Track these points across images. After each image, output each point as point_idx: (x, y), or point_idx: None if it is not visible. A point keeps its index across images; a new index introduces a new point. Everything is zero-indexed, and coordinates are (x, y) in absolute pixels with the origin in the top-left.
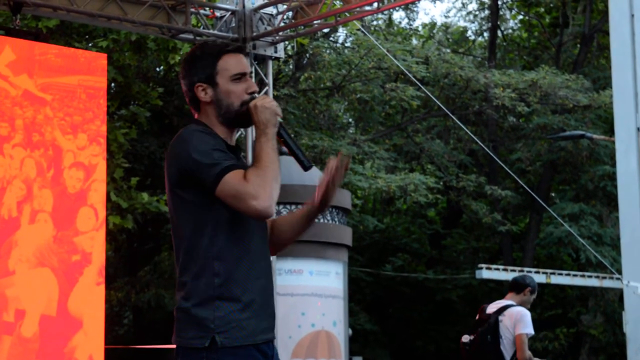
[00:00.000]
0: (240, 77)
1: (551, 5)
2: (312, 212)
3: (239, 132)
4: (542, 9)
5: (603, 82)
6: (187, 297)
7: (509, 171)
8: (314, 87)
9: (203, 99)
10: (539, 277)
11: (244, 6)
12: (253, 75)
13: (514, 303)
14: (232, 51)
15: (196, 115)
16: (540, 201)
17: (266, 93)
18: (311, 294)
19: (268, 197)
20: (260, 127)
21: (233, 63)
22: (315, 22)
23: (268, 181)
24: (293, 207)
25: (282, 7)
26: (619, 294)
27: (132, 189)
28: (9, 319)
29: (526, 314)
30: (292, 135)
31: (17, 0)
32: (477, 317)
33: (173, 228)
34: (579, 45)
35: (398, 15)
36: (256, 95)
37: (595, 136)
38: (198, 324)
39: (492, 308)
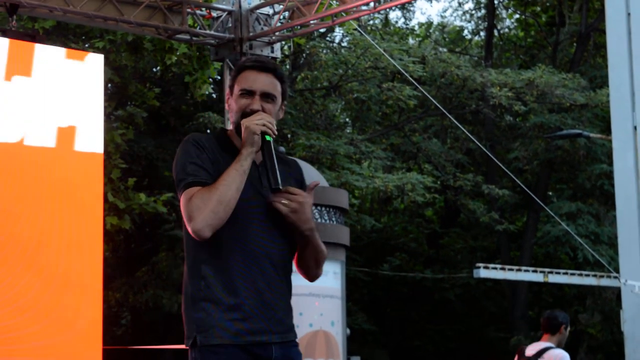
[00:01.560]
0: (246, 93)
1: (547, 4)
2: (298, 239)
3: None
4: (538, 8)
5: (600, 80)
6: (184, 299)
7: (506, 170)
8: (310, 87)
9: (228, 109)
10: (537, 276)
11: (240, 6)
12: None
13: (552, 345)
14: (251, 67)
15: None
16: (538, 200)
17: None
18: (309, 294)
19: (201, 220)
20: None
21: (245, 78)
22: (311, 22)
23: (209, 203)
24: None
25: (278, 7)
26: (616, 293)
27: (130, 190)
28: (6, 320)
29: (566, 357)
30: (273, 155)
31: (13, 2)
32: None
33: None
34: (575, 44)
35: (394, 15)
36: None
37: (592, 135)
38: (187, 325)
39: (530, 351)
